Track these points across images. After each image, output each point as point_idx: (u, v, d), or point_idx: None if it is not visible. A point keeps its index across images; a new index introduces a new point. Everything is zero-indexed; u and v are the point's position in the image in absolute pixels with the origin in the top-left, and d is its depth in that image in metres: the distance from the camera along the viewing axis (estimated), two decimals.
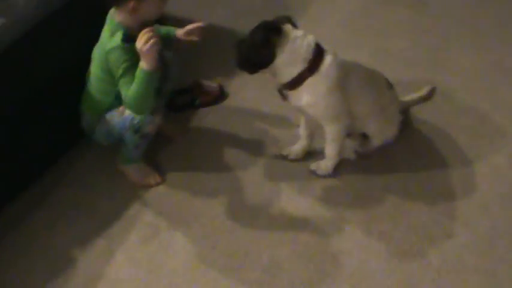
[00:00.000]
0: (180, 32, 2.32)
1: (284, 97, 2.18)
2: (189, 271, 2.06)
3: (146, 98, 2.06)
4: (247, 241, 2.14)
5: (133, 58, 2.03)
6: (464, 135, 2.49)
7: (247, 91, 2.70)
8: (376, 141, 2.36)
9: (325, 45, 2.13)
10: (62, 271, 2.09)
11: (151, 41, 1.96)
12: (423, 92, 2.64)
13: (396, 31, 3.05)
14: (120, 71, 2.05)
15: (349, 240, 2.13)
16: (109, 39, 2.07)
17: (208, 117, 2.62)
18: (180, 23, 3.02)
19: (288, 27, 2.05)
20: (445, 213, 2.20)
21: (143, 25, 2.06)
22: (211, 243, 2.14)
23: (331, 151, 2.28)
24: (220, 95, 2.69)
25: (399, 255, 2.08)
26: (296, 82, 2.08)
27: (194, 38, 2.31)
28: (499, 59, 2.85)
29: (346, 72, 2.13)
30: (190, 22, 3.06)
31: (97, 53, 2.15)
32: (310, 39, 2.06)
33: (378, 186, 2.30)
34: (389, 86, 2.34)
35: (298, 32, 2.05)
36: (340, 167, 2.35)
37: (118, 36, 2.05)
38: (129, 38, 2.04)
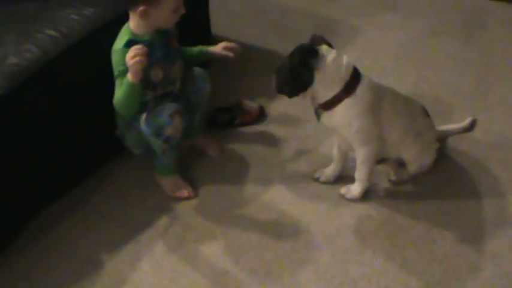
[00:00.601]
0: (217, 47, 2.43)
1: (319, 118, 2.22)
2: (209, 284, 2.10)
3: (127, 103, 2.16)
4: (270, 259, 2.17)
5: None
6: (500, 168, 2.45)
7: (287, 113, 2.74)
8: (412, 167, 2.36)
9: (366, 72, 2.17)
10: (89, 274, 2.16)
11: (136, 58, 2.04)
12: (464, 123, 2.63)
13: (442, 62, 3.05)
14: (116, 73, 2.15)
15: (370, 265, 2.12)
16: (118, 41, 2.18)
17: (246, 136, 2.67)
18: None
19: (324, 48, 2.08)
20: (472, 246, 2.17)
21: (157, 33, 2.17)
22: (235, 258, 2.18)
23: (360, 174, 2.29)
24: (260, 115, 2.75)
25: (420, 284, 2.06)
26: (332, 103, 2.12)
27: (230, 54, 2.42)
28: None
29: (380, 96, 2.16)
30: (239, 44, 3.18)
31: None
32: (348, 61, 2.10)
33: (405, 213, 2.29)
34: (426, 113, 2.34)
35: (335, 53, 2.08)
36: (370, 193, 2.36)
37: (123, 40, 2.15)
38: (135, 42, 2.12)
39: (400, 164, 2.41)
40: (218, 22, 3.13)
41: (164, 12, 2.15)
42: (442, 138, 2.53)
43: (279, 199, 2.39)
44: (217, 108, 2.73)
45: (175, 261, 2.18)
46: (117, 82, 2.16)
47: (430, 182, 2.41)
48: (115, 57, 2.17)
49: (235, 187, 2.45)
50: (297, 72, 2.08)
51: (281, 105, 2.76)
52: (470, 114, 2.66)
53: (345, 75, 2.08)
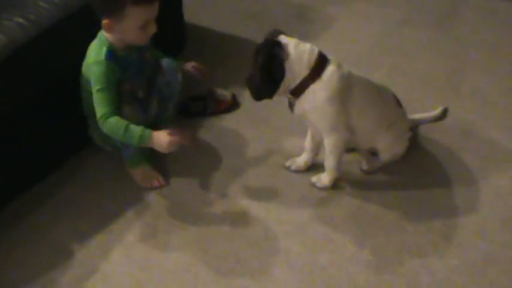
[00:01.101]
0: (187, 65, 2.47)
1: (292, 109, 2.22)
2: (180, 272, 2.10)
3: (117, 137, 2.14)
4: (240, 247, 2.17)
5: (112, 78, 2.12)
6: (471, 157, 2.47)
7: (260, 102, 2.73)
8: (385, 156, 2.37)
9: (339, 60, 2.18)
10: (59, 264, 2.15)
11: (174, 145, 2.12)
12: (436, 112, 2.64)
13: (415, 51, 3.06)
14: (97, 87, 2.11)
15: (340, 253, 2.14)
16: (96, 51, 2.14)
17: (218, 125, 2.67)
18: (204, 31, 3.12)
19: (283, 38, 2.10)
20: (441, 234, 2.19)
21: (132, 48, 2.15)
22: (205, 247, 2.18)
23: (330, 163, 2.29)
24: (233, 104, 2.74)
25: (389, 272, 2.07)
26: (300, 89, 2.13)
27: (199, 76, 2.49)
28: None
29: (350, 84, 2.15)
30: (213, 32, 3.18)
31: (86, 58, 2.21)
32: (311, 47, 2.11)
33: (376, 202, 2.31)
34: (398, 103, 2.35)
35: (296, 41, 2.10)
36: (341, 182, 2.37)
37: (103, 51, 2.12)
38: (113, 56, 2.12)
39: (372, 153, 2.43)
40: (191, 9, 3.10)
41: (129, 29, 2.09)
42: (414, 127, 2.55)
43: (250, 187, 2.39)
44: (190, 97, 2.72)
45: (146, 251, 2.18)
46: (99, 97, 2.11)
47: (402, 171, 2.42)
48: (95, 70, 2.11)
49: (207, 176, 2.45)
50: (269, 69, 2.08)
51: None
52: (442, 104, 2.67)
53: (308, 60, 2.09)
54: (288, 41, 2.09)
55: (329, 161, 2.28)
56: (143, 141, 2.11)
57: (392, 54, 3.04)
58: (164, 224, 2.26)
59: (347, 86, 2.14)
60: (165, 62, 2.40)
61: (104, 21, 2.07)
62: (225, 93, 2.74)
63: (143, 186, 2.39)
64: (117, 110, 2.13)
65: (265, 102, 2.65)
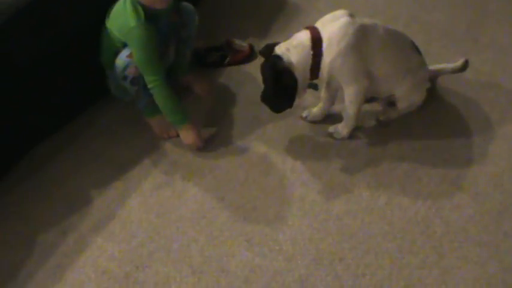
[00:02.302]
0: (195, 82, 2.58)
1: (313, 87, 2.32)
2: (196, 219, 2.13)
3: (160, 105, 2.27)
4: (256, 196, 2.19)
5: (154, 40, 2.17)
6: (488, 109, 2.46)
7: None
8: (402, 105, 2.36)
9: (357, 12, 2.17)
10: (78, 210, 2.19)
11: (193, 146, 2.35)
12: (457, 63, 2.60)
13: (433, 2, 3.02)
14: (145, 53, 2.17)
15: (355, 202, 2.15)
16: (133, 14, 2.14)
17: (236, 76, 2.67)
18: None
19: (278, 49, 2.17)
20: (456, 184, 2.19)
21: (157, 13, 2.16)
22: (222, 194, 2.21)
23: (349, 113, 2.29)
24: (250, 54, 2.74)
25: (403, 221, 2.09)
26: (315, 70, 2.18)
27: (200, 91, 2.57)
28: None
29: (363, 32, 2.14)
30: None
31: (119, 17, 2.21)
32: (298, 37, 2.17)
33: (392, 153, 2.31)
34: (417, 50, 2.33)
35: (287, 43, 2.18)
36: (358, 132, 2.37)
37: (141, 14, 2.14)
38: (152, 18, 2.14)
39: (389, 104, 2.42)
40: None
41: None
42: (433, 78, 2.53)
43: (267, 137, 2.40)
44: (208, 48, 2.72)
45: (163, 198, 2.21)
46: (148, 62, 2.18)
47: (419, 121, 2.42)
48: (140, 34, 2.15)
49: (224, 125, 2.46)
50: (282, 83, 2.15)
51: None
52: (461, 55, 2.64)
53: (304, 49, 2.14)
54: (282, 49, 2.16)
55: (348, 110, 2.28)
56: (176, 124, 2.30)
57: (410, 6, 3.01)
58: (181, 172, 2.29)
59: (361, 35, 2.12)
60: (184, 4, 2.40)
61: None
62: (242, 44, 2.73)
63: (160, 136, 2.41)
64: (164, 74, 2.22)
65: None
